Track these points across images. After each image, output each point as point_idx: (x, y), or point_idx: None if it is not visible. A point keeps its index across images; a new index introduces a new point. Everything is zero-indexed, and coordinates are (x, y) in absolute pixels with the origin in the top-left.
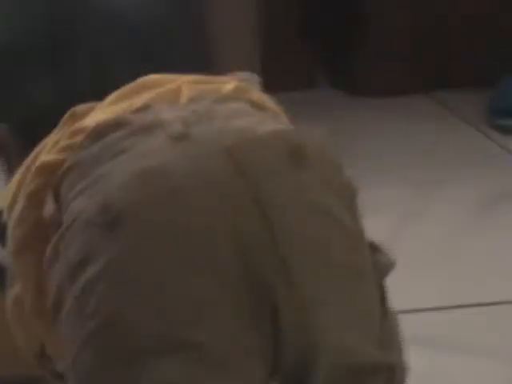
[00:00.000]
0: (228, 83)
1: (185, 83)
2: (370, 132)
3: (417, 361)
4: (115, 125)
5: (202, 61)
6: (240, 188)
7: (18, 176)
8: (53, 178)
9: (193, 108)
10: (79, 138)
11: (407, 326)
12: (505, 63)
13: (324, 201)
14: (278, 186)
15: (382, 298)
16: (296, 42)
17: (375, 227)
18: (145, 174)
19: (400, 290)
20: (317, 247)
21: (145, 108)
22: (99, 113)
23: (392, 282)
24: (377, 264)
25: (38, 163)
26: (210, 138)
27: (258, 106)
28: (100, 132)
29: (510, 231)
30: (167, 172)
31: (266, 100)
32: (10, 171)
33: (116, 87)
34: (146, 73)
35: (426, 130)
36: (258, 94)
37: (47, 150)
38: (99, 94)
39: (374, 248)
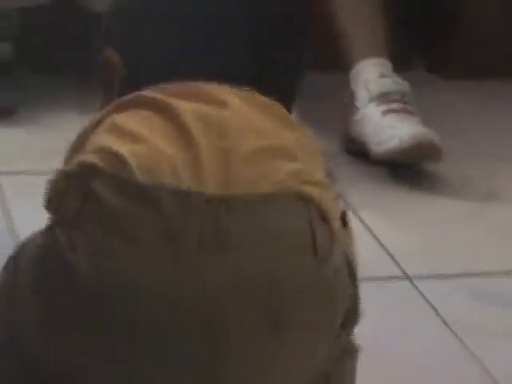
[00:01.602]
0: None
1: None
2: (458, 112)
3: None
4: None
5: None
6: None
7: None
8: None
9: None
10: (107, 159)
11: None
12: None
13: None
14: None
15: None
16: (396, 28)
17: (461, 202)
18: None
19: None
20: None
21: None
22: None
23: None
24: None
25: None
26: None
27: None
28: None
29: None
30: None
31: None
32: (107, 95)
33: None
34: None
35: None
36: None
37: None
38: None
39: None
